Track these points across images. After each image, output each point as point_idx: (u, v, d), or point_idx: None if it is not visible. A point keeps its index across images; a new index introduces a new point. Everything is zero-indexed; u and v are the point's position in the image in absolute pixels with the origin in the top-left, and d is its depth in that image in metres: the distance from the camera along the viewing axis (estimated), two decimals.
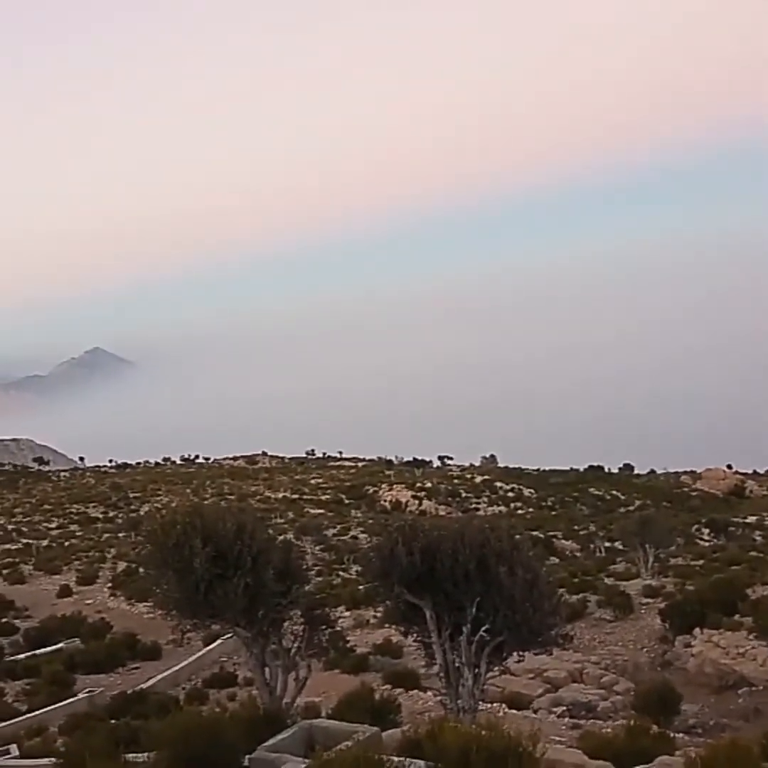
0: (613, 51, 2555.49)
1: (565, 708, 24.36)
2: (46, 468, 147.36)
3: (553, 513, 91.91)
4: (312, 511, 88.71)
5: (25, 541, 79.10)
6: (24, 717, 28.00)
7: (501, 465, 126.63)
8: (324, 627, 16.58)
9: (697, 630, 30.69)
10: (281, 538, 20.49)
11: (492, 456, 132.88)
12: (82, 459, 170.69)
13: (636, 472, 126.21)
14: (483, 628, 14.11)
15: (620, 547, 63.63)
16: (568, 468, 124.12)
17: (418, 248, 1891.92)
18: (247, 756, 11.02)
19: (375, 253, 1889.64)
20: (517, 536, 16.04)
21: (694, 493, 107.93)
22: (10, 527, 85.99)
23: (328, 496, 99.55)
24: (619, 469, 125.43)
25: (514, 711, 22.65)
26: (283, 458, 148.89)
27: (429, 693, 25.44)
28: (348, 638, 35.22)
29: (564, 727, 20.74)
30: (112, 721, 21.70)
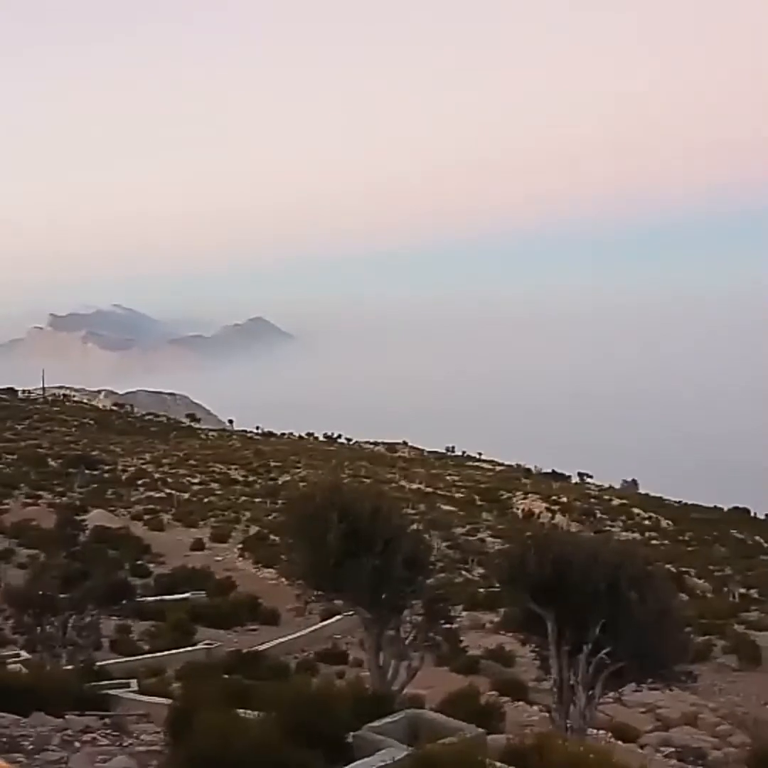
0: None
1: (673, 749, 23.55)
2: (197, 425, 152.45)
3: (689, 549, 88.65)
4: (443, 507, 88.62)
5: (168, 491, 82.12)
6: (145, 656, 29.30)
7: (642, 491, 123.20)
8: (443, 621, 16.64)
9: None
10: (413, 527, 20.63)
11: (633, 480, 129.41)
12: (231, 421, 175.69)
13: None
14: (604, 651, 13.82)
15: (756, 595, 60.83)
16: (712, 505, 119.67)
17: (585, 250, 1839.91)
18: (351, 733, 11.15)
19: (546, 251, 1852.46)
20: (651, 566, 15.62)
21: None
22: (156, 476, 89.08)
23: (461, 495, 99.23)
24: (767, 515, 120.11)
25: (619, 742, 22.09)
26: (422, 451, 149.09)
27: (535, 707, 25.15)
28: (462, 638, 35.17)
29: None
30: (225, 676, 22.30)
